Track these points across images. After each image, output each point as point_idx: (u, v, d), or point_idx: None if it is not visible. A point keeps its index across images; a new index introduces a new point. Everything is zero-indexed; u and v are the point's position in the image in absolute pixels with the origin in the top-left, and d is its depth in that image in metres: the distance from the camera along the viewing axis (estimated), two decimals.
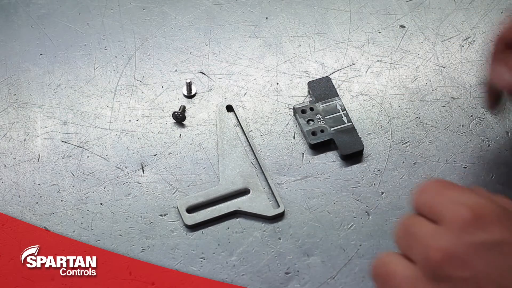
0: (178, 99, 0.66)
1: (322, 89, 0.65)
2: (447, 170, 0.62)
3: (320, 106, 0.64)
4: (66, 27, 0.70)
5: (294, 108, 0.64)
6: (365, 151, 0.63)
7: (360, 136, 0.63)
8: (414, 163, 0.62)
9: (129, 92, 0.66)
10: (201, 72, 0.67)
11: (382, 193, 0.61)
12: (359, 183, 0.62)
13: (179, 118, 0.64)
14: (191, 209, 0.60)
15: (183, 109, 0.64)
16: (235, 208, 0.60)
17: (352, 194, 0.61)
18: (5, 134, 0.64)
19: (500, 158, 0.62)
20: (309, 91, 0.65)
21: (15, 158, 0.63)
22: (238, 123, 0.64)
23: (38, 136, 0.64)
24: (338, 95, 0.64)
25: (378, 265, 0.50)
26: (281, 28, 0.69)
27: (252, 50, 0.68)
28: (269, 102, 0.66)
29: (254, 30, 0.69)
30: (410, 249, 0.49)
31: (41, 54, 0.68)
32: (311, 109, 0.64)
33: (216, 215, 0.59)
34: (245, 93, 0.66)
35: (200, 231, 0.59)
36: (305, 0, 0.71)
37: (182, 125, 0.64)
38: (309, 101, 0.65)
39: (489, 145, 0.63)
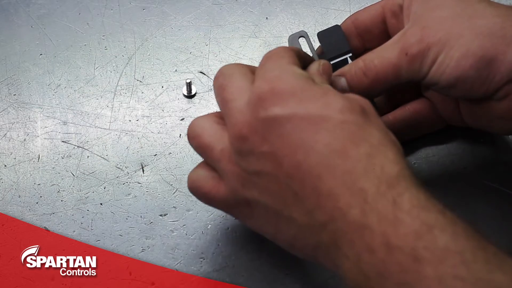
0: (178, 99, 0.66)
1: (333, 41, 0.59)
2: (446, 170, 0.62)
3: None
4: (66, 27, 0.70)
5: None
6: None
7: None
8: (413, 163, 0.62)
9: (129, 92, 0.66)
10: (201, 72, 0.67)
11: None
12: None
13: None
14: None
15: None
16: None
17: None
18: (5, 134, 0.64)
19: (500, 158, 0.62)
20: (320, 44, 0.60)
21: (15, 158, 0.63)
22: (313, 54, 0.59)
23: (38, 136, 0.64)
24: (350, 49, 0.59)
25: (194, 134, 0.52)
26: (281, 28, 0.69)
27: (252, 50, 0.68)
28: None
29: (254, 30, 0.69)
30: (225, 118, 0.50)
31: (41, 54, 0.68)
32: None
33: None
34: None
35: (200, 231, 0.59)
36: (305, 0, 0.71)
37: (182, 125, 0.64)
38: (318, 55, 0.59)
39: (489, 145, 0.63)
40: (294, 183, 0.46)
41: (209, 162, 0.52)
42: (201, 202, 0.55)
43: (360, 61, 0.55)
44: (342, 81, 0.56)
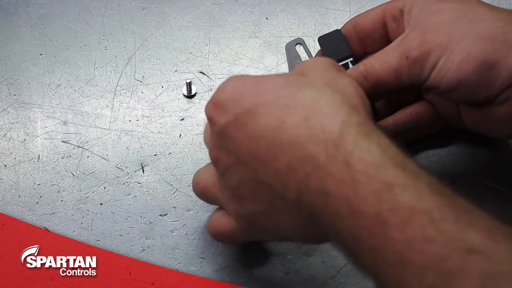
0: (178, 99, 0.66)
1: (333, 46, 0.59)
2: (446, 170, 0.62)
3: None
4: (66, 27, 0.70)
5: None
6: None
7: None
8: None
9: (129, 92, 0.66)
10: (201, 72, 0.67)
11: None
12: None
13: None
14: None
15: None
16: None
17: None
18: (5, 134, 0.64)
19: (500, 158, 0.62)
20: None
21: (15, 158, 0.63)
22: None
23: (38, 136, 0.64)
24: (350, 53, 0.59)
25: (195, 183, 0.54)
26: (281, 28, 0.69)
27: (252, 50, 0.68)
28: None
29: (254, 30, 0.69)
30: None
31: (41, 54, 0.68)
32: None
33: None
34: None
35: (200, 231, 0.59)
36: (305, 0, 0.71)
37: (182, 125, 0.64)
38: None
39: (489, 145, 0.63)
40: (262, 175, 0.46)
41: (214, 202, 0.53)
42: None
43: (361, 65, 0.55)
44: None
